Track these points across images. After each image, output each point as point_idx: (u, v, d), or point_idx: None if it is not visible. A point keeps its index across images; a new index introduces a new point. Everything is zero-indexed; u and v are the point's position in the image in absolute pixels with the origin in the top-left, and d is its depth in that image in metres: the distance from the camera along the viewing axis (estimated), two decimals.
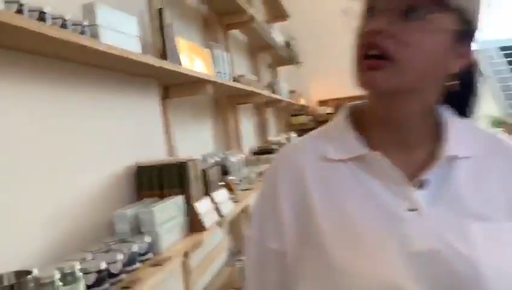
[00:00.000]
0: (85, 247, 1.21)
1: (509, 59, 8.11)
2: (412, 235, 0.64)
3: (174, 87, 1.90)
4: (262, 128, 3.98)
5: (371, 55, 0.64)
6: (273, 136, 4.21)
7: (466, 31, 0.67)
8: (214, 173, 1.80)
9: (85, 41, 1.08)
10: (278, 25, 4.65)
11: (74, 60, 1.29)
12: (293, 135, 4.39)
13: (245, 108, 3.40)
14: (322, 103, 6.41)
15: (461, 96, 0.76)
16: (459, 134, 0.72)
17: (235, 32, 3.32)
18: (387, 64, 0.63)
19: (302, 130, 5.33)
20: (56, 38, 0.99)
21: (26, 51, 1.12)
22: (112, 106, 1.52)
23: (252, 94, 2.85)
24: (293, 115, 5.65)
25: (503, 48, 8.32)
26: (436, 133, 0.71)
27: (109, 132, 1.48)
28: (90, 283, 1.04)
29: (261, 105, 3.81)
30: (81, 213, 1.30)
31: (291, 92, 4.90)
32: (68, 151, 1.27)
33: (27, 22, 0.92)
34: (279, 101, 3.92)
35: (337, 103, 6.29)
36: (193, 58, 1.87)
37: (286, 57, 4.67)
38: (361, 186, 0.68)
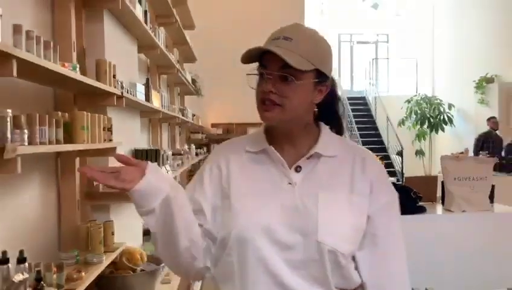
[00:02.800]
0: None
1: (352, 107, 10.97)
2: (286, 197, 1.05)
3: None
4: (173, 139, 5.59)
5: (265, 103, 1.04)
6: (180, 146, 5.82)
7: (321, 78, 1.07)
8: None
9: None
10: (187, 65, 6.33)
11: None
12: (193, 146, 6.04)
13: (164, 125, 5.00)
14: (214, 125, 8.23)
15: (329, 115, 1.17)
16: (328, 141, 1.12)
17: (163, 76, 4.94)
18: (275, 108, 1.04)
19: (199, 144, 7.06)
20: None
21: None
22: None
23: (171, 117, 4.47)
24: (192, 132, 7.33)
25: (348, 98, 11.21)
26: (315, 139, 1.12)
27: None
28: None
29: (174, 124, 5.42)
30: None
31: (193, 115, 6.58)
32: None
33: None
34: (186, 122, 5.57)
35: (225, 126, 8.16)
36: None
37: (192, 90, 6.36)
38: (263, 168, 1.10)
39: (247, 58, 1.06)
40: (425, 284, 2.33)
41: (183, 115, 5.42)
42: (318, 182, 1.08)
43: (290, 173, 1.08)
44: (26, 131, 1.24)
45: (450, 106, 10.69)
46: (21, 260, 1.35)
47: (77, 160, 1.98)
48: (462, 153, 4.69)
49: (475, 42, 9.73)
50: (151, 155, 2.80)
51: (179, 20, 4.49)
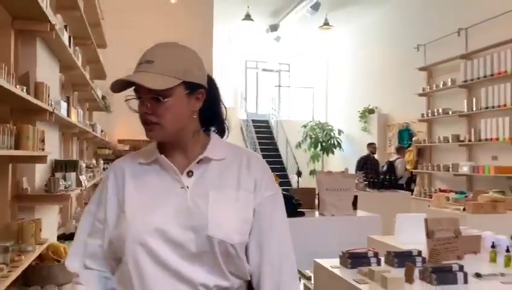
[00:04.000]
0: None
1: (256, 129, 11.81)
2: (179, 200, 1.11)
3: None
4: (81, 153, 5.77)
5: (146, 123, 1.13)
6: (87, 159, 6.00)
7: (192, 88, 1.13)
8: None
9: None
10: (98, 82, 6.56)
11: None
12: (101, 160, 6.25)
13: (74, 139, 5.20)
14: (121, 141, 8.43)
15: (211, 117, 1.24)
16: (216, 145, 1.20)
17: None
18: (155, 126, 1.12)
19: (106, 159, 7.22)
20: None
21: None
22: None
23: (84, 131, 4.73)
24: (99, 147, 7.47)
25: (253, 120, 12.08)
26: (205, 145, 1.19)
27: None
28: None
29: (82, 138, 5.62)
30: None
31: (102, 131, 6.78)
32: None
33: None
34: (95, 136, 5.81)
35: (132, 143, 8.38)
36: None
37: (101, 106, 6.59)
38: (157, 176, 1.16)
39: (120, 87, 1.11)
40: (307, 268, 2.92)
41: (93, 130, 5.66)
42: (209, 183, 1.15)
43: (182, 178, 1.15)
44: None
45: (340, 131, 12.03)
46: None
47: (10, 165, 2.30)
48: (343, 171, 5.56)
49: (361, 77, 11.19)
50: (71, 165, 3.12)
51: (94, 41, 4.81)
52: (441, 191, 7.21)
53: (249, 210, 1.17)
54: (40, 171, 2.83)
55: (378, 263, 2.00)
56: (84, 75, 4.40)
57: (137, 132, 5.64)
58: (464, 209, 4.45)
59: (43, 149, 2.35)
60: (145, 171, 1.18)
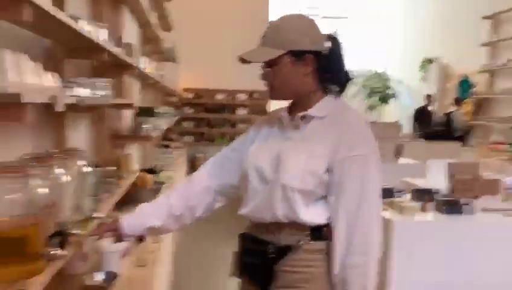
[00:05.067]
0: None
1: None
2: (281, 148, 1.35)
3: None
4: (154, 101, 6.45)
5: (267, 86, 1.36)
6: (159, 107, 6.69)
7: (298, 55, 1.29)
8: None
9: None
10: (165, 33, 7.11)
11: None
12: (169, 107, 6.91)
13: (147, 89, 5.85)
14: (186, 89, 9.08)
15: (332, 75, 1.36)
16: (323, 104, 1.35)
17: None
18: (272, 88, 1.35)
19: (173, 106, 7.92)
20: None
21: None
22: None
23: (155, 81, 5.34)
24: (167, 95, 8.16)
25: None
26: (316, 103, 1.35)
27: None
28: None
29: (154, 87, 6.28)
30: None
31: (170, 80, 7.41)
32: None
33: None
34: (165, 86, 6.44)
35: (196, 91, 9.01)
36: None
37: (169, 57, 7.18)
38: (279, 128, 1.42)
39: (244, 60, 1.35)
40: None
41: (163, 80, 6.29)
42: (303, 137, 1.35)
43: (288, 131, 1.38)
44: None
45: (398, 82, 11.96)
46: None
47: (106, 110, 2.90)
48: (394, 122, 5.81)
49: (421, 25, 10.92)
50: (149, 112, 3.72)
51: None
52: (497, 143, 7.24)
53: (320, 164, 1.29)
54: (127, 117, 3.45)
55: (402, 197, 2.42)
56: (155, 31, 4.93)
57: (200, 81, 6.42)
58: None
59: (130, 98, 2.92)
60: (272, 124, 1.45)
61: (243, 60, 1.33)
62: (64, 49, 1.97)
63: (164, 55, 6.91)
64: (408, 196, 2.43)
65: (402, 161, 4.10)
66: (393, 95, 11.77)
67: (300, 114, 1.34)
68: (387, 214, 2.12)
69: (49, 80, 1.28)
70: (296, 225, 1.31)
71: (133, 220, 1.47)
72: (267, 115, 1.53)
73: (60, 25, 1.42)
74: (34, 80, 1.13)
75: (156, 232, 1.55)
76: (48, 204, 1.20)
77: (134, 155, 3.60)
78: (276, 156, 1.33)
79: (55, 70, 1.94)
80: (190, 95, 9.02)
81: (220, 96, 8.93)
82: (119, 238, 1.47)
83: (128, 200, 3.06)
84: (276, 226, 1.33)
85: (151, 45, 5.85)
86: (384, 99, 11.89)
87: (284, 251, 1.31)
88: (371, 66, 13.10)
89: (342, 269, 1.27)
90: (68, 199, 1.54)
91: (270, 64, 1.30)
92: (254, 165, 1.37)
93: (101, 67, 2.76)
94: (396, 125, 4.06)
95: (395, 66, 12.64)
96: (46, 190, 1.24)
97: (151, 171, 3.93)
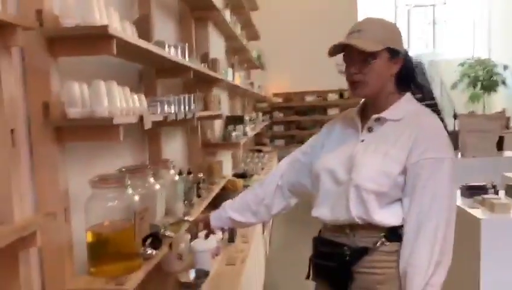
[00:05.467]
0: None
1: None
2: (354, 150, 1.37)
3: None
4: (243, 109, 6.73)
5: (353, 82, 1.35)
6: (248, 114, 6.95)
7: (393, 53, 1.32)
8: None
9: None
10: (253, 42, 7.36)
11: None
12: (260, 114, 7.14)
13: (236, 98, 6.12)
14: (275, 94, 9.26)
15: (409, 82, 1.41)
16: (398, 107, 1.36)
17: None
18: (360, 84, 1.33)
19: (263, 112, 8.16)
20: None
21: None
22: None
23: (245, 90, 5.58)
24: (257, 102, 8.44)
25: None
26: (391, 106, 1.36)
27: None
28: None
29: (244, 95, 6.54)
30: None
31: (259, 86, 7.65)
32: None
33: None
34: (254, 93, 6.68)
35: (284, 95, 9.15)
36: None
37: (257, 64, 7.42)
38: (352, 129, 1.45)
39: (334, 51, 1.35)
40: None
41: (252, 87, 6.53)
42: (377, 139, 1.36)
43: (361, 133, 1.40)
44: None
45: (505, 67, 10.92)
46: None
47: (199, 122, 3.13)
48: (500, 112, 5.38)
49: None
50: (238, 120, 3.92)
51: (246, 6, 5.49)
52: None
53: (395, 166, 1.30)
54: (217, 125, 3.68)
55: (496, 194, 2.27)
56: (242, 42, 5.16)
57: (288, 85, 6.52)
58: None
59: (219, 109, 3.12)
60: (344, 125, 1.49)
61: (331, 53, 1.36)
62: (154, 71, 2.20)
63: (252, 64, 7.17)
64: (502, 192, 2.27)
65: (505, 153, 3.80)
66: (497, 83, 10.78)
67: (375, 116, 1.36)
68: (477, 212, 2.01)
69: (137, 101, 1.47)
70: (371, 227, 1.32)
71: (218, 213, 1.68)
72: (338, 116, 1.57)
73: (147, 52, 1.61)
74: (123, 103, 1.31)
75: (238, 224, 1.72)
76: (142, 209, 1.37)
77: (227, 161, 3.82)
78: (349, 157, 1.36)
79: (149, 90, 2.21)
80: (279, 100, 9.19)
81: (309, 98, 8.97)
82: (208, 228, 1.68)
83: (219, 204, 3.26)
84: (351, 228, 1.35)
85: (239, 55, 6.12)
86: (489, 87, 10.94)
87: (360, 252, 1.33)
88: (472, 52, 12.17)
89: (404, 266, 1.28)
90: (161, 204, 1.72)
91: (366, 58, 1.31)
92: (326, 167, 1.41)
93: (190, 83, 3.00)
94: (499, 116, 3.76)
95: (498, 50, 11.59)
96: (141, 197, 1.42)
97: (242, 175, 4.12)
